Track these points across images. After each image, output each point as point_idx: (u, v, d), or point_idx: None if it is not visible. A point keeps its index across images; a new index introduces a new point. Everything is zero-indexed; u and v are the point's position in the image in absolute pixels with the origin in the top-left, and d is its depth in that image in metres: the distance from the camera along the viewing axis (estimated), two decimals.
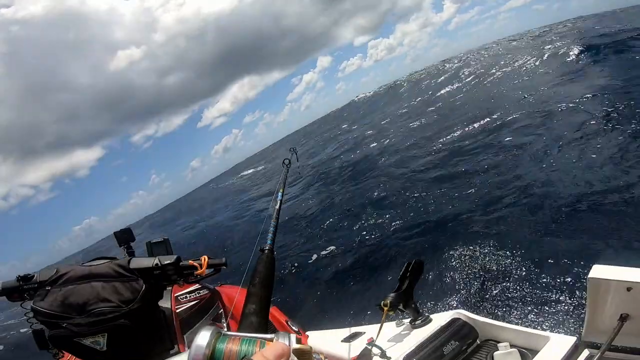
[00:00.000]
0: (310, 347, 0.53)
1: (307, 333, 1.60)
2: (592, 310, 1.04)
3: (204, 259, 1.06)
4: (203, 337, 0.53)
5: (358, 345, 1.37)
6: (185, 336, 1.13)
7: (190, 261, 1.05)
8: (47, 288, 0.91)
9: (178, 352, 1.01)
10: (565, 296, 3.24)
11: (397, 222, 6.46)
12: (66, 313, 0.87)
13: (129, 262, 0.99)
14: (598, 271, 0.97)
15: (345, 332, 1.54)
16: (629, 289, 0.92)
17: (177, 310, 1.20)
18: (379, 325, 1.30)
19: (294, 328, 1.54)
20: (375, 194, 8.32)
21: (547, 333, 1.16)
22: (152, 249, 1.57)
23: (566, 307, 3.08)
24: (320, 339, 1.55)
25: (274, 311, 1.59)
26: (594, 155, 5.87)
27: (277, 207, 1.34)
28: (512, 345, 1.17)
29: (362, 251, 6.00)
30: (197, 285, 1.35)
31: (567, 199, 4.87)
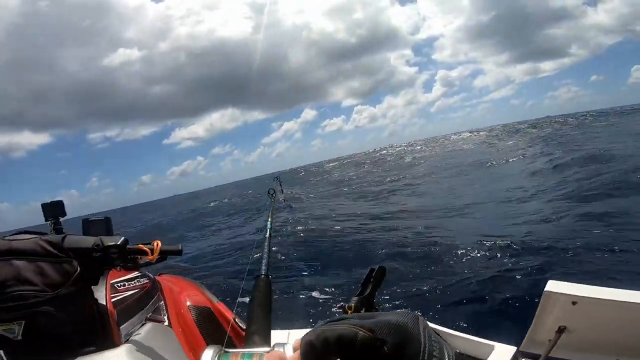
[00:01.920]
0: None
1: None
2: (536, 322, 1.10)
3: (157, 243, 0.93)
4: (207, 356, 0.54)
5: None
6: (121, 328, 0.96)
7: (139, 245, 0.92)
8: None
9: (114, 346, 0.86)
10: (512, 308, 3.52)
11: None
12: None
13: (63, 239, 0.83)
14: (553, 285, 1.04)
15: (301, 332, 1.53)
16: (574, 303, 0.99)
17: (113, 300, 1.01)
18: None
19: (241, 326, 1.48)
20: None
21: (492, 342, 1.22)
22: (89, 228, 1.34)
23: (512, 318, 3.33)
24: (279, 339, 1.53)
25: (220, 307, 1.50)
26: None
27: (268, 235, 1.38)
28: (461, 353, 1.23)
29: (321, 251, 6.26)
30: (137, 272, 1.18)
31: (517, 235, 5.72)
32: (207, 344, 1.25)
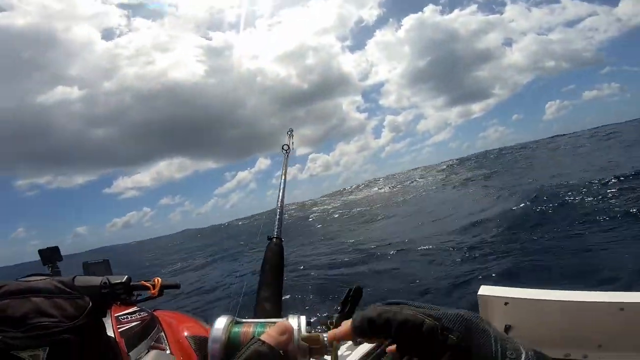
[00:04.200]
0: (320, 336, 0.58)
1: None
2: None
3: (157, 280, 1.04)
4: (220, 322, 0.58)
5: None
6: (130, 354, 1.08)
7: (142, 282, 1.03)
8: None
9: None
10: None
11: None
12: (1, 327, 0.79)
13: (73, 279, 0.94)
14: (485, 290, 1.19)
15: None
16: (506, 304, 1.14)
17: (119, 330, 1.15)
18: None
19: None
20: None
21: None
22: (90, 269, 1.47)
23: None
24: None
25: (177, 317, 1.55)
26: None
27: (281, 195, 1.34)
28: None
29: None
30: (136, 307, 1.31)
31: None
32: None
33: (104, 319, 0.98)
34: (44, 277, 0.93)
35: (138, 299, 1.06)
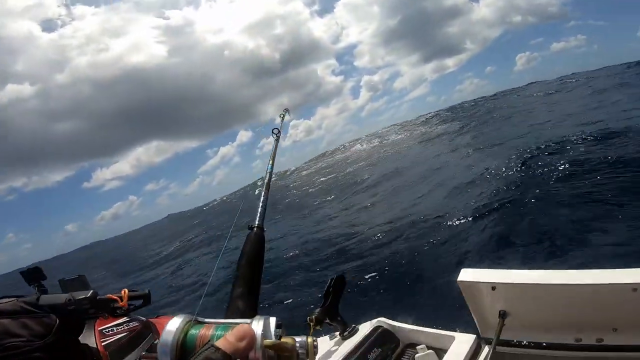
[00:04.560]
0: (289, 342, 0.51)
1: None
2: (475, 310, 1.15)
3: (124, 291, 1.05)
4: (173, 323, 0.51)
5: None
6: None
7: (109, 295, 1.03)
8: None
9: None
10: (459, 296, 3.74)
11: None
12: None
13: (37, 299, 0.95)
14: (466, 275, 1.08)
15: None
16: (493, 288, 1.04)
17: (103, 344, 1.16)
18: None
19: None
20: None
21: (452, 333, 1.30)
22: (67, 286, 1.45)
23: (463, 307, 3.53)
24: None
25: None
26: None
27: (267, 180, 1.23)
28: (428, 347, 1.28)
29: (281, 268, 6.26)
30: (125, 318, 1.30)
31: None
32: None
33: (85, 335, 0.98)
34: (9, 299, 0.93)
35: (117, 313, 1.07)
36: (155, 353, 1.29)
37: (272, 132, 1.79)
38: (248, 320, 0.52)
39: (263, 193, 1.18)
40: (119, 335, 1.24)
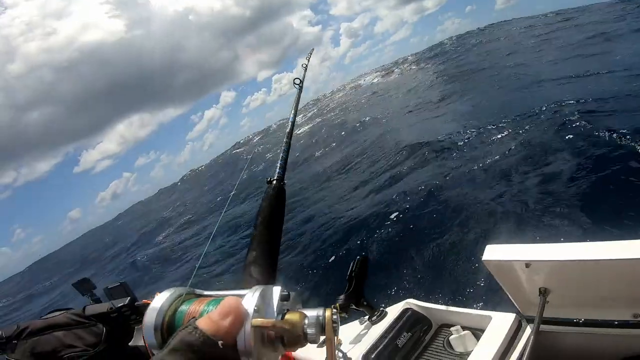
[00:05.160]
0: (291, 320, 0.43)
1: None
2: (510, 289, 1.06)
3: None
4: (161, 297, 0.44)
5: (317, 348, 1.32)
6: None
7: (144, 300, 1.06)
8: (14, 342, 0.97)
9: None
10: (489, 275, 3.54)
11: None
12: None
13: (84, 309, 1.08)
14: (492, 253, 0.98)
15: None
16: (527, 265, 0.94)
17: None
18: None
19: None
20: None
21: (489, 312, 1.22)
22: (111, 294, 1.51)
23: (494, 286, 3.35)
24: None
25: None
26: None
27: (289, 130, 1.14)
28: (463, 328, 1.20)
29: (311, 253, 6.07)
30: None
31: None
32: None
33: (135, 340, 1.12)
34: (60, 312, 1.07)
35: None
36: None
37: (294, 82, 1.71)
38: (244, 292, 0.44)
39: (284, 142, 1.07)
40: None
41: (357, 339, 1.35)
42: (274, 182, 0.94)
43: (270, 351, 0.43)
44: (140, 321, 1.04)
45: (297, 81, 1.65)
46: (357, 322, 1.47)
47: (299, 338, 0.43)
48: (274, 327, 0.41)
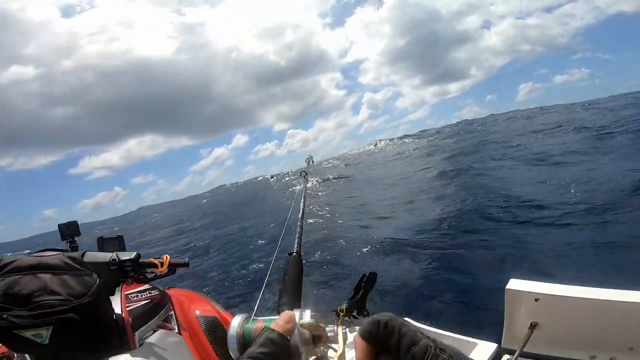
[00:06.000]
0: (320, 325, 0.68)
1: None
2: (509, 319, 1.15)
3: (166, 257, 1.02)
4: (236, 320, 0.69)
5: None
6: (136, 334, 1.06)
7: (150, 259, 1.01)
8: None
9: (128, 349, 0.98)
10: (487, 305, 3.68)
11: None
12: (7, 304, 0.80)
13: (82, 255, 0.93)
14: (514, 284, 1.10)
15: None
16: (536, 300, 1.05)
17: (128, 309, 1.13)
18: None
19: None
20: None
21: (475, 340, 1.30)
22: (104, 245, 1.47)
23: (488, 315, 3.49)
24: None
25: (227, 316, 1.58)
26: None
27: (301, 214, 1.48)
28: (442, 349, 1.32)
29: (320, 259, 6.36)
30: (147, 285, 1.30)
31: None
32: (215, 351, 1.33)
33: (112, 297, 0.98)
34: (56, 253, 0.92)
35: (150, 276, 1.05)
36: (170, 324, 1.37)
37: (300, 174, 2.08)
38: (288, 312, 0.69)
39: (299, 224, 1.39)
40: (143, 302, 1.21)
41: (350, 345, 1.46)
42: (294, 254, 1.25)
43: (306, 345, 0.67)
44: (131, 278, 0.99)
45: (304, 173, 1.97)
46: (347, 329, 1.58)
47: (323, 337, 0.69)
48: (311, 327, 0.67)
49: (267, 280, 1.40)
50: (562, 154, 11.81)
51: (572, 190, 7.21)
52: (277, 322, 0.63)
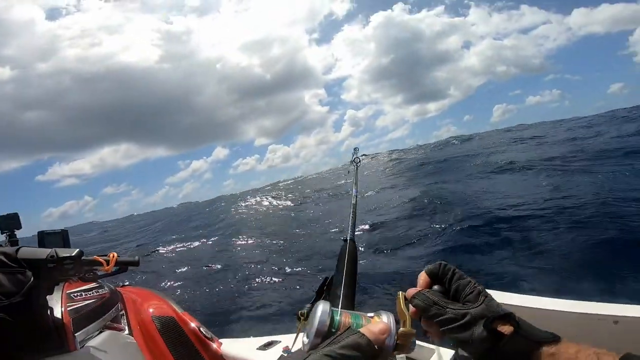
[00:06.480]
0: (414, 332, 0.62)
1: (221, 340, 1.57)
2: None
3: (113, 255, 0.96)
4: (324, 308, 0.62)
5: (274, 354, 1.40)
6: (76, 335, 0.99)
7: (95, 257, 0.94)
8: None
9: (67, 351, 0.92)
10: None
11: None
12: None
13: (17, 250, 0.86)
14: (521, 299, 1.12)
15: (261, 340, 1.55)
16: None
17: (69, 309, 1.05)
18: (294, 334, 1.39)
19: (206, 335, 1.51)
20: None
21: (432, 346, 1.31)
22: (44, 240, 1.36)
23: None
24: (234, 347, 1.54)
25: (185, 316, 1.52)
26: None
27: (354, 202, 1.47)
28: (407, 357, 1.33)
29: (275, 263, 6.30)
30: (95, 283, 1.22)
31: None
32: (171, 353, 1.28)
33: (51, 296, 0.92)
34: None
35: (88, 278, 1.00)
36: (119, 324, 1.30)
37: (352, 161, 2.00)
38: (371, 314, 0.64)
39: (352, 212, 1.39)
40: (88, 302, 1.13)
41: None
42: (349, 240, 1.21)
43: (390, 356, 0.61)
44: (73, 277, 0.93)
45: (357, 160, 1.89)
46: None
47: (407, 347, 0.61)
48: (406, 335, 0.60)
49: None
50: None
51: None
52: (371, 329, 0.58)
